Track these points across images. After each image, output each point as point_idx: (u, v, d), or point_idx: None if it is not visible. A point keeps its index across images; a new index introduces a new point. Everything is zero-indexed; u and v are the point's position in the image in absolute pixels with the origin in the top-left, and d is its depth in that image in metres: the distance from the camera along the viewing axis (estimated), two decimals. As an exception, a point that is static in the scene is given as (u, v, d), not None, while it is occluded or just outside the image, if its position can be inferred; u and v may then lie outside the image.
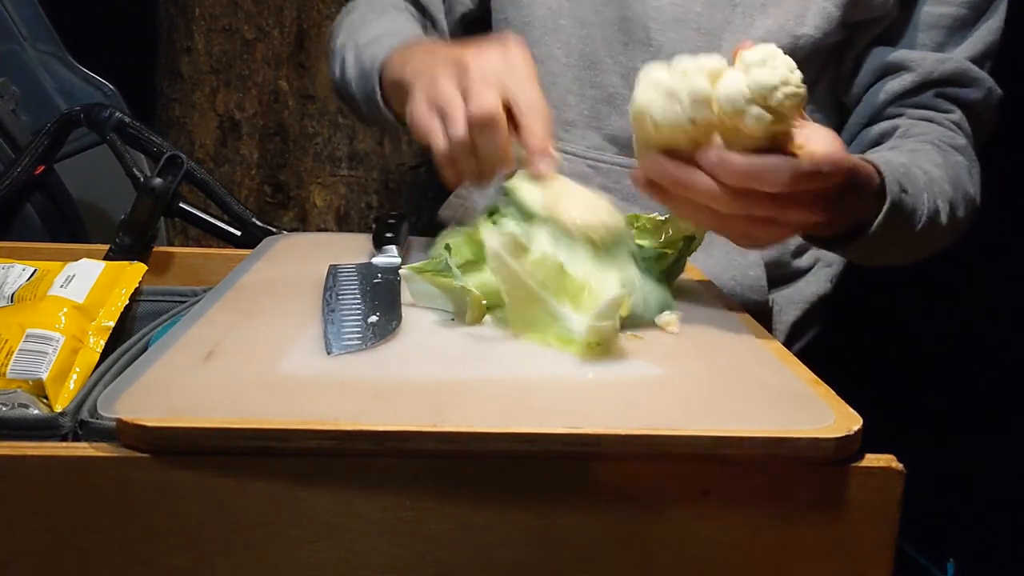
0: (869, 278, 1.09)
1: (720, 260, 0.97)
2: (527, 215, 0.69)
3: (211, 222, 0.98)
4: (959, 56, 0.94)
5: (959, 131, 0.94)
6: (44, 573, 0.48)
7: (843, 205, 0.69)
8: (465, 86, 0.70)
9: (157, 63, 1.68)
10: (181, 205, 0.94)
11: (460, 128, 0.70)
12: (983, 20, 0.95)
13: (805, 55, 0.93)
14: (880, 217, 0.75)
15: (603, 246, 0.67)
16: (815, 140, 0.64)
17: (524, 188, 0.70)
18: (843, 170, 0.65)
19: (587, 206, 0.69)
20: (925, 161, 0.87)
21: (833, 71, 0.98)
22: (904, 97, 0.95)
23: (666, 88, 0.63)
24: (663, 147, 0.64)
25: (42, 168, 1.03)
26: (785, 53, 0.92)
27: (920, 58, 0.94)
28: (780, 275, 1.02)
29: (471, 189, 1.07)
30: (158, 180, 0.90)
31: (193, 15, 1.60)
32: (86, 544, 0.48)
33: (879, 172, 0.75)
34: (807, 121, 0.67)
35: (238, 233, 0.97)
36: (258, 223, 0.97)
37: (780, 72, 0.61)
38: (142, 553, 0.48)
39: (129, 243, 0.88)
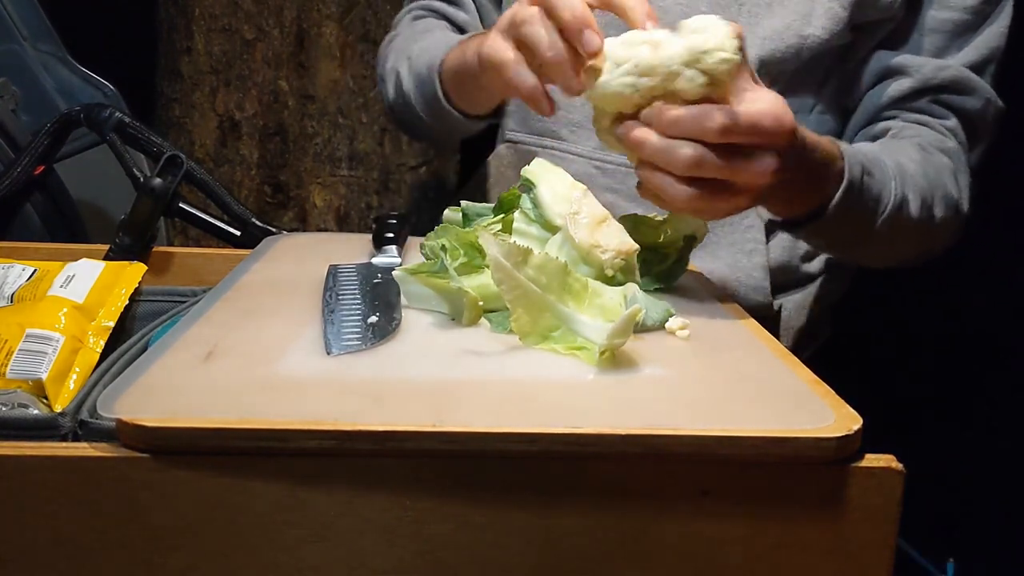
0: (870, 278, 1.09)
1: (725, 261, 0.97)
2: (541, 219, 0.70)
3: (211, 222, 0.98)
4: (959, 63, 0.94)
5: (951, 136, 0.95)
6: (44, 573, 0.48)
7: (797, 177, 0.71)
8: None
9: (157, 63, 1.68)
10: (181, 205, 0.94)
11: (546, 36, 0.69)
12: (985, 26, 0.95)
13: (812, 55, 0.93)
14: (838, 194, 0.76)
15: (609, 271, 0.69)
16: (761, 101, 0.66)
17: (547, 192, 0.70)
18: (785, 128, 0.67)
19: (606, 230, 0.70)
20: (901, 155, 0.88)
21: (839, 73, 0.98)
22: (901, 102, 0.95)
23: (613, 58, 0.66)
24: (616, 117, 0.68)
25: (42, 168, 1.03)
26: (792, 53, 0.93)
27: (920, 63, 0.94)
28: (788, 280, 1.01)
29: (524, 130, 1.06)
30: (158, 180, 0.90)
31: (193, 15, 1.60)
32: (86, 544, 0.48)
33: (840, 154, 0.76)
34: (759, 86, 0.68)
35: (238, 233, 0.97)
36: (258, 223, 0.98)
37: (715, 38, 0.64)
38: (142, 553, 0.48)
39: (129, 243, 0.88)
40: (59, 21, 1.43)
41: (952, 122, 0.95)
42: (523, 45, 0.72)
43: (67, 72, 1.41)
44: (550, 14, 0.69)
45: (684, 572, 0.51)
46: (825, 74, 0.97)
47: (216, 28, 1.60)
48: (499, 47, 0.73)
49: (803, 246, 1.01)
